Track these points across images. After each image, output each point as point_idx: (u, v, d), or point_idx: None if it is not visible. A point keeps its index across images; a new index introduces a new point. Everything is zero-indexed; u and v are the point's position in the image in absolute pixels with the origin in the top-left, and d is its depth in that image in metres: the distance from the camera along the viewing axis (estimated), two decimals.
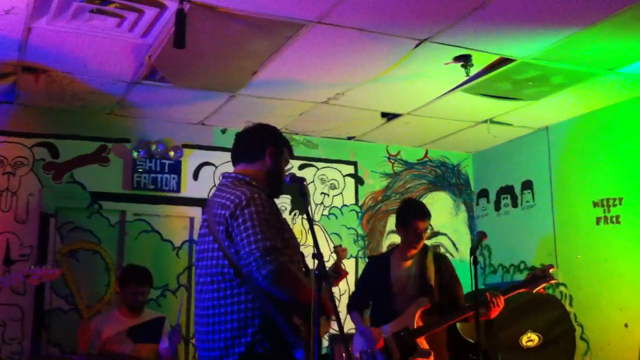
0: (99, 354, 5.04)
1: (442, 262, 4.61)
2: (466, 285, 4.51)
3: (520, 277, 6.40)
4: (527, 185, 6.55)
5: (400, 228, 4.59)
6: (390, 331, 4.35)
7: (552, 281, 4.42)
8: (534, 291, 4.40)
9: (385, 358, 4.32)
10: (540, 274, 4.41)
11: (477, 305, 4.03)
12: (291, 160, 3.51)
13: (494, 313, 4.30)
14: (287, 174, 3.16)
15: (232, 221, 2.90)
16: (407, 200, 5.12)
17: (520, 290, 4.43)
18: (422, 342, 4.32)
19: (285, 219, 3.15)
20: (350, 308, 4.76)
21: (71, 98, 5.45)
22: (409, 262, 4.55)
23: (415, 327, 4.32)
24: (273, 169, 3.19)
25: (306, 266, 3.14)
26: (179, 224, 6.09)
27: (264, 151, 3.19)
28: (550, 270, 4.40)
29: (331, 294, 2.76)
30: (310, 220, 2.91)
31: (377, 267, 4.65)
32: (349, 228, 6.67)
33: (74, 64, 4.75)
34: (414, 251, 4.53)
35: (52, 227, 5.66)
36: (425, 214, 4.52)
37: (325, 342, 5.94)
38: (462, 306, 4.43)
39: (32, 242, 5.58)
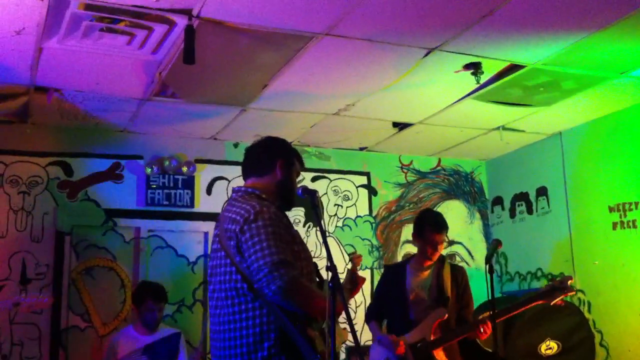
0: None
1: (459, 274, 4.59)
2: (482, 293, 4.49)
3: (537, 284, 6.36)
4: (542, 191, 6.51)
5: (416, 238, 4.59)
6: (407, 342, 4.33)
7: (570, 293, 4.39)
8: (552, 303, 4.37)
9: None
10: (559, 286, 4.38)
11: (493, 314, 4.00)
12: (303, 172, 3.54)
13: (482, 338, 4.31)
14: (299, 186, 3.14)
15: (241, 236, 2.89)
16: (425, 211, 5.07)
17: (538, 302, 4.40)
18: (439, 354, 4.29)
19: (297, 231, 3.14)
20: (368, 318, 4.74)
21: (84, 116, 5.49)
22: (425, 273, 4.53)
23: (432, 338, 4.29)
24: (283, 181, 3.17)
25: (320, 277, 3.12)
26: (193, 239, 6.10)
27: (274, 164, 3.18)
28: (569, 282, 4.37)
29: (346, 305, 2.74)
30: (324, 232, 2.90)
31: (394, 276, 4.64)
32: (363, 239, 6.66)
33: (85, 83, 4.79)
34: (430, 262, 4.52)
35: (68, 245, 5.68)
36: (442, 226, 4.50)
37: (342, 355, 5.91)
38: (470, 320, 4.44)
39: (48, 260, 5.61)
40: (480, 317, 4.35)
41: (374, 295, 5.34)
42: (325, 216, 6.52)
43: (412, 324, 4.41)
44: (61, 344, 5.53)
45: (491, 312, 4.03)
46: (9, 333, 5.39)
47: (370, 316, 4.73)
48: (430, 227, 4.47)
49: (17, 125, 5.65)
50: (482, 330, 4.26)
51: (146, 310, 5.13)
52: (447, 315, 4.35)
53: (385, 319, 4.69)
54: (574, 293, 4.48)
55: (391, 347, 4.32)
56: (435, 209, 6.75)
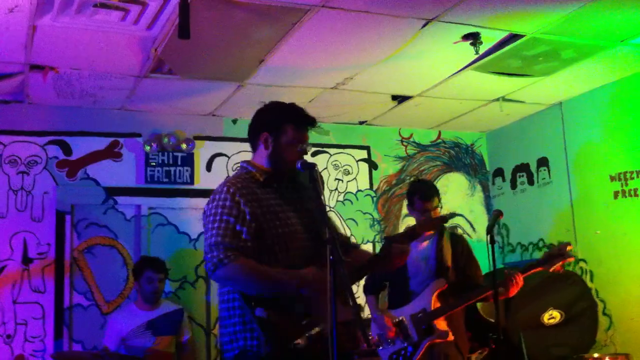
0: (120, 349, 5.09)
1: (459, 243, 4.59)
2: (484, 264, 4.49)
3: (539, 254, 6.36)
4: (543, 162, 6.49)
5: (411, 211, 4.63)
6: (407, 313, 4.34)
7: (569, 259, 4.38)
8: (551, 270, 4.36)
9: (404, 341, 4.31)
10: (557, 252, 4.37)
11: (495, 284, 4.00)
12: None
13: (513, 291, 4.28)
14: (299, 160, 3.03)
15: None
16: (413, 182, 5.14)
17: (537, 270, 4.39)
18: (440, 324, 4.31)
19: (279, 201, 3.07)
20: (366, 291, 4.75)
21: (80, 94, 5.46)
22: (425, 243, 4.53)
23: (432, 308, 4.30)
24: (271, 154, 3.10)
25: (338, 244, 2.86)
26: (194, 215, 6.08)
27: (258, 139, 3.14)
28: (568, 248, 4.36)
29: (345, 280, 2.70)
30: (323, 206, 2.87)
31: None
32: (364, 213, 6.65)
33: (81, 60, 4.76)
34: (428, 232, 4.50)
35: (68, 224, 5.68)
36: (430, 194, 4.50)
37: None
38: (480, 286, 4.40)
39: (49, 240, 5.62)
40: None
41: None
42: (326, 191, 6.50)
43: (412, 295, 4.42)
44: (65, 322, 5.55)
45: (493, 284, 4.02)
46: (13, 312, 5.42)
47: (368, 290, 4.74)
48: (419, 196, 4.49)
49: (15, 104, 5.63)
50: (514, 281, 4.24)
51: (146, 281, 5.17)
52: (446, 285, 4.36)
53: (386, 290, 4.70)
54: (572, 259, 4.46)
55: (383, 326, 4.35)
56: (435, 182, 6.74)
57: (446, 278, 4.39)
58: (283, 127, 3.07)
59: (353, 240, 3.39)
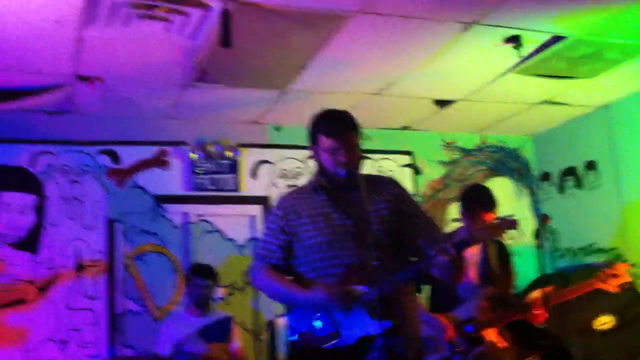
0: (172, 355, 5.16)
1: (503, 249, 4.52)
2: (533, 270, 4.43)
3: (589, 259, 6.25)
4: (591, 165, 6.39)
5: (465, 215, 4.41)
6: (455, 320, 4.29)
7: (626, 280, 4.21)
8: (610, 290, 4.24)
9: (451, 348, 4.26)
10: (612, 273, 4.23)
11: (544, 291, 3.92)
12: None
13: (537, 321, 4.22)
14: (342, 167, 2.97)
15: None
16: (474, 187, 4.80)
17: (596, 286, 4.25)
18: (488, 334, 4.24)
19: (329, 209, 3.06)
20: None
21: (127, 104, 5.59)
22: (473, 249, 4.46)
23: (481, 317, 4.25)
24: (318, 166, 3.12)
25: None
26: (240, 222, 6.17)
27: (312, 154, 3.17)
28: (625, 268, 4.20)
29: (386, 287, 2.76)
30: (365, 210, 2.85)
31: None
32: None
33: (127, 71, 4.87)
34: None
35: (119, 231, 5.81)
36: (493, 204, 4.29)
37: None
38: (511, 296, 4.37)
39: (101, 247, 5.75)
40: (532, 297, 4.24)
41: None
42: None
43: (459, 301, 4.37)
44: (117, 328, 5.67)
45: (543, 291, 3.95)
46: (67, 319, 5.55)
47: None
48: (481, 205, 4.28)
49: (64, 115, 5.77)
50: (535, 314, 4.17)
51: (194, 287, 5.23)
52: (495, 293, 4.30)
53: (431, 294, 4.62)
54: (630, 280, 4.28)
55: (439, 327, 4.28)
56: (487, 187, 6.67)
57: (494, 286, 4.33)
58: (318, 139, 3.05)
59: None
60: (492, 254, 4.41)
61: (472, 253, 4.43)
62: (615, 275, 4.18)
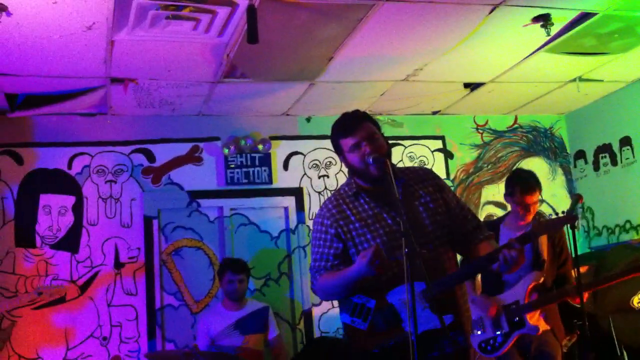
0: (210, 348, 5.25)
1: (556, 235, 4.48)
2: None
3: (627, 236, 6.18)
4: (626, 141, 6.30)
5: (508, 199, 4.51)
6: (500, 304, 4.30)
7: None
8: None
9: (494, 329, 4.28)
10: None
11: (578, 270, 3.90)
12: None
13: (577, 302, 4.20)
14: (371, 156, 3.00)
15: None
16: (516, 171, 4.93)
17: (636, 275, 4.22)
18: (532, 318, 4.24)
19: (372, 211, 3.09)
20: None
21: (160, 103, 5.67)
22: (521, 233, 4.45)
23: (525, 301, 4.25)
24: (350, 171, 3.18)
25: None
26: (274, 214, 6.23)
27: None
28: None
29: (422, 274, 2.69)
30: (396, 200, 2.82)
31: None
32: None
33: (158, 71, 4.94)
34: (523, 222, 4.43)
35: (156, 228, 5.91)
36: (532, 187, 4.38)
37: None
38: (570, 278, 4.35)
39: (139, 244, 5.86)
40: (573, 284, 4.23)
41: None
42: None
43: (505, 285, 4.37)
44: (157, 322, 5.77)
45: (575, 271, 3.92)
46: (108, 315, 5.68)
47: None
48: (520, 188, 4.38)
49: (99, 117, 5.90)
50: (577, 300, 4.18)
51: (227, 282, 5.31)
52: (542, 279, 4.28)
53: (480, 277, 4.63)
54: None
55: (485, 307, 4.31)
56: (515, 168, 6.64)
57: (542, 271, 4.31)
58: (340, 145, 3.12)
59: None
60: (542, 238, 4.39)
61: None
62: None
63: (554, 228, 3.59)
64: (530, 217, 4.42)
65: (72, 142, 5.85)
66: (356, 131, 3.04)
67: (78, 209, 5.78)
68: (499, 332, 4.27)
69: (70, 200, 5.78)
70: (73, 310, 5.62)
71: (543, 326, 4.28)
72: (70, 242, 5.72)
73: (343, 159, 3.14)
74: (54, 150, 5.79)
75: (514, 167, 6.69)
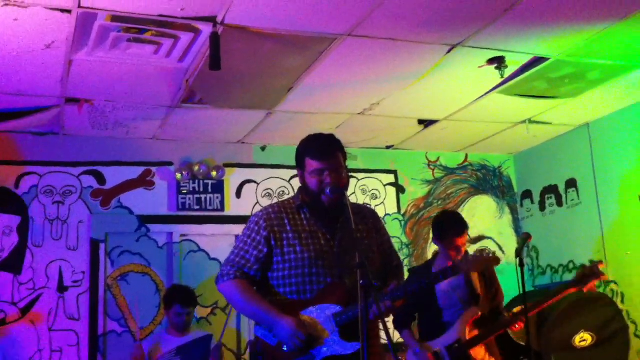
0: None
1: (486, 271, 4.53)
2: (514, 287, 4.48)
3: (570, 276, 6.31)
4: (572, 183, 6.47)
5: (438, 242, 4.49)
6: (442, 344, 4.30)
7: (602, 277, 4.33)
8: (585, 289, 4.32)
9: None
10: (589, 272, 4.33)
11: (525, 308, 3.97)
12: None
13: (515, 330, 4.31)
14: (329, 186, 3.03)
15: None
16: (443, 213, 4.89)
17: (571, 291, 4.36)
18: (478, 352, 4.27)
19: (311, 228, 3.13)
20: (399, 326, 4.55)
21: (114, 125, 5.60)
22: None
23: (467, 338, 4.28)
24: (302, 188, 3.19)
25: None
26: (225, 242, 6.16)
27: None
28: (600, 267, 4.31)
29: (378, 309, 2.74)
30: (352, 231, 2.89)
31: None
32: (392, 237, 6.56)
33: (115, 93, 4.89)
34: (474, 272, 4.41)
35: (102, 252, 5.80)
36: (463, 229, 4.37)
37: None
38: (502, 311, 4.41)
39: (84, 268, 5.73)
40: (515, 310, 4.32)
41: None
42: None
43: (446, 326, 4.36)
44: (99, 349, 5.63)
45: (523, 307, 4.01)
46: (49, 340, 5.52)
47: (400, 324, 4.55)
48: (451, 231, 4.35)
49: (50, 136, 5.79)
50: (517, 325, 4.25)
51: (174, 314, 5.15)
52: (480, 314, 4.33)
53: (418, 322, 4.63)
54: (606, 278, 4.38)
55: (424, 358, 4.30)
56: (463, 205, 6.76)
57: (478, 306, 4.33)
58: (304, 162, 3.14)
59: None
60: (474, 274, 4.43)
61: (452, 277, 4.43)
62: (592, 274, 4.25)
63: (476, 267, 3.63)
64: (460, 257, 4.43)
65: (21, 161, 5.71)
66: (325, 159, 3.07)
67: (23, 230, 5.63)
68: None
69: (15, 220, 5.63)
70: (12, 334, 5.44)
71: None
72: (13, 263, 5.56)
73: (301, 174, 3.17)
74: (1, 169, 5.65)
75: (463, 204, 6.80)
